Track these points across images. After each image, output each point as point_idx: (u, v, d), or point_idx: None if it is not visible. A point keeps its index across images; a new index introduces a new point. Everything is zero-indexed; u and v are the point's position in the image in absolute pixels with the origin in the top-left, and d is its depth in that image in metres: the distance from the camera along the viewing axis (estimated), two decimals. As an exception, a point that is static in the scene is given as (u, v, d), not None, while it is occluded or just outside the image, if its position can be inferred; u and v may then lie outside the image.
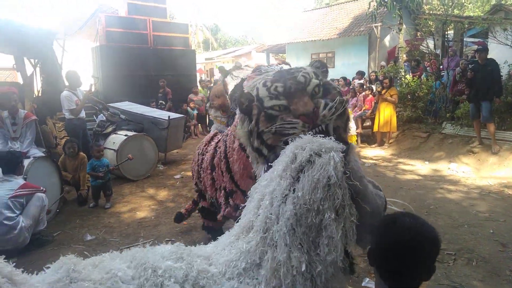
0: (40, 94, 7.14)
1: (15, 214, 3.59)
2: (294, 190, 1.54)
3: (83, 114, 6.00)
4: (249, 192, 2.40)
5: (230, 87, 3.41)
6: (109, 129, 6.53)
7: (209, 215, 3.43)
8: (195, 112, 10.78)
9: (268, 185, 1.68)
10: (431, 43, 10.65)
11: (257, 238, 1.59)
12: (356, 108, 9.16)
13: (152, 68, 10.80)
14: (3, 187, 3.63)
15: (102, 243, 3.96)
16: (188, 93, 11.06)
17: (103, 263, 1.47)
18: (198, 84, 12.46)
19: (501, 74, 7.14)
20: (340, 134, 2.00)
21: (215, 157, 2.92)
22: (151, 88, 10.42)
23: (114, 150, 5.95)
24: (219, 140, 2.98)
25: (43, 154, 4.91)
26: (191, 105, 10.69)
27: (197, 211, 3.90)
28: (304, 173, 1.52)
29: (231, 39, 44.65)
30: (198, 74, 16.93)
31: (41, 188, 3.91)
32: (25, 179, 3.98)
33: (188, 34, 12.39)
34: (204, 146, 3.19)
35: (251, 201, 1.78)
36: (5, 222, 3.48)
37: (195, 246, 1.80)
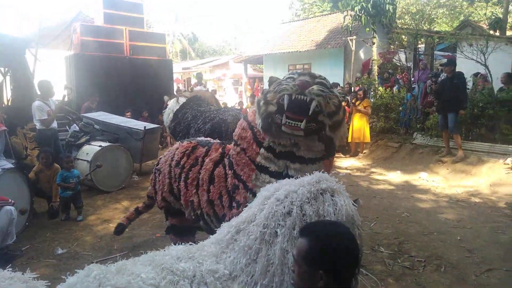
0: (9, 104, 6.94)
1: (-18, 228, 3.46)
2: (313, 200, 1.73)
3: (55, 124, 5.87)
4: (250, 183, 2.61)
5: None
6: (83, 140, 6.40)
7: (182, 232, 3.32)
8: (172, 122, 10.70)
9: (280, 188, 1.86)
10: (403, 57, 11.03)
11: (256, 233, 1.71)
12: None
13: (128, 78, 10.67)
14: (-31, 200, 3.50)
15: (74, 257, 3.87)
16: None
17: (126, 267, 1.62)
18: (175, 94, 12.38)
19: (468, 87, 7.47)
20: (322, 128, 2.35)
21: (214, 169, 2.85)
22: (126, 98, 10.30)
23: (87, 161, 5.83)
24: (222, 154, 2.90)
25: (12, 166, 4.76)
26: (168, 115, 10.61)
27: (165, 233, 3.65)
28: (324, 195, 1.76)
29: (209, 49, 44.71)
30: (175, 84, 16.86)
31: (10, 200, 3.79)
32: (-8, 191, 3.85)
33: (165, 44, 12.35)
34: (183, 158, 3.02)
35: (258, 197, 1.92)
36: (-29, 236, 3.35)
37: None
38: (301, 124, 2.28)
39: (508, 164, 6.14)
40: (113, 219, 4.94)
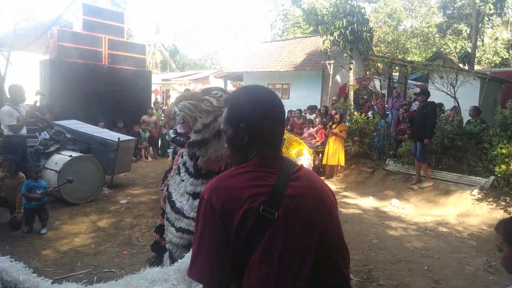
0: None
1: None
2: None
3: (24, 131, 5.65)
4: (169, 179, 3.04)
5: None
6: (52, 148, 6.17)
7: None
8: (147, 134, 10.55)
9: None
10: (378, 84, 11.38)
11: None
12: (312, 139, 9.42)
13: (105, 87, 10.47)
14: None
15: (33, 273, 3.66)
16: (141, 115, 10.83)
17: None
18: (152, 105, 12.25)
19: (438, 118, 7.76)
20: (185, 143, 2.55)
21: None
22: (102, 107, 10.08)
23: (55, 171, 5.62)
24: None
25: (-26, 173, 4.53)
26: (143, 127, 10.47)
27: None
28: None
29: (190, 62, 44.72)
30: (153, 95, 16.68)
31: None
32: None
33: (145, 55, 12.27)
34: None
35: None
36: None
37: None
38: (171, 136, 2.56)
39: (474, 195, 6.37)
40: (79, 233, 4.74)
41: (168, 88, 26.70)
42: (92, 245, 4.40)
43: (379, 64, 11.92)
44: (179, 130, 2.56)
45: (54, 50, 9.86)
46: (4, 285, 1.34)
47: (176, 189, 2.86)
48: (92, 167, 6.12)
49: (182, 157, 2.82)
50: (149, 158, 10.53)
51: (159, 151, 10.97)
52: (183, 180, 2.77)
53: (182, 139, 2.53)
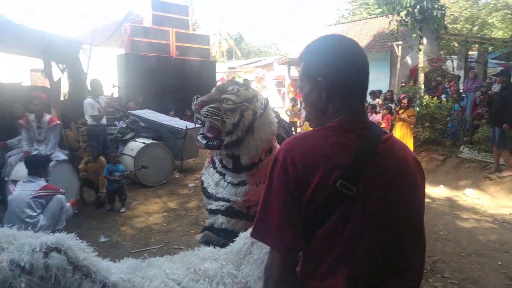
0: (67, 98, 7.46)
1: (36, 213, 3.79)
2: None
3: (104, 120, 6.25)
4: (203, 169, 3.06)
5: None
6: (129, 136, 6.76)
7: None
8: (213, 121, 10.96)
9: None
10: (450, 64, 10.54)
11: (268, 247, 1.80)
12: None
13: (174, 77, 11.09)
14: (27, 187, 3.85)
15: (114, 246, 4.12)
16: (207, 103, 11.28)
17: (156, 262, 1.86)
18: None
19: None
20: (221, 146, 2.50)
21: None
22: (171, 97, 10.70)
23: (132, 156, 6.16)
24: None
25: (65, 158, 5.13)
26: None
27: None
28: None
29: (255, 49, 45.09)
30: (219, 84, 17.15)
31: (61, 190, 4.11)
32: (47, 180, 4.19)
33: (209, 46, 12.68)
34: None
35: None
36: (27, 220, 3.68)
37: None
38: (202, 143, 2.51)
39: (562, 186, 5.73)
40: (152, 213, 5.19)
41: (234, 76, 27.27)
42: (164, 224, 4.80)
43: (454, 43, 11.00)
44: (208, 134, 2.54)
45: (128, 45, 10.64)
46: (68, 261, 1.57)
47: (210, 179, 2.87)
48: (163, 153, 6.60)
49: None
50: (215, 145, 10.97)
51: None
52: (220, 173, 2.78)
53: (215, 143, 2.50)
